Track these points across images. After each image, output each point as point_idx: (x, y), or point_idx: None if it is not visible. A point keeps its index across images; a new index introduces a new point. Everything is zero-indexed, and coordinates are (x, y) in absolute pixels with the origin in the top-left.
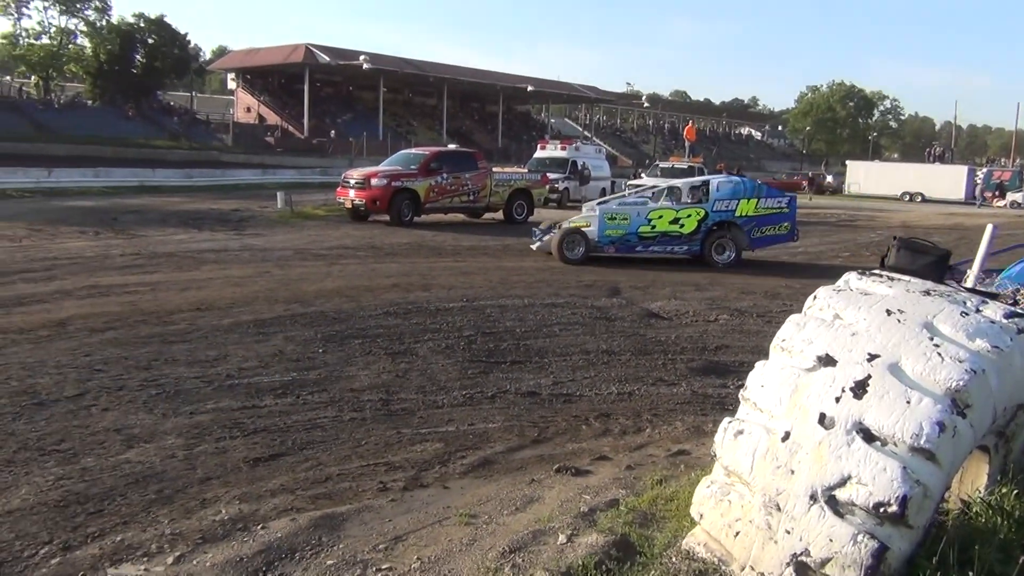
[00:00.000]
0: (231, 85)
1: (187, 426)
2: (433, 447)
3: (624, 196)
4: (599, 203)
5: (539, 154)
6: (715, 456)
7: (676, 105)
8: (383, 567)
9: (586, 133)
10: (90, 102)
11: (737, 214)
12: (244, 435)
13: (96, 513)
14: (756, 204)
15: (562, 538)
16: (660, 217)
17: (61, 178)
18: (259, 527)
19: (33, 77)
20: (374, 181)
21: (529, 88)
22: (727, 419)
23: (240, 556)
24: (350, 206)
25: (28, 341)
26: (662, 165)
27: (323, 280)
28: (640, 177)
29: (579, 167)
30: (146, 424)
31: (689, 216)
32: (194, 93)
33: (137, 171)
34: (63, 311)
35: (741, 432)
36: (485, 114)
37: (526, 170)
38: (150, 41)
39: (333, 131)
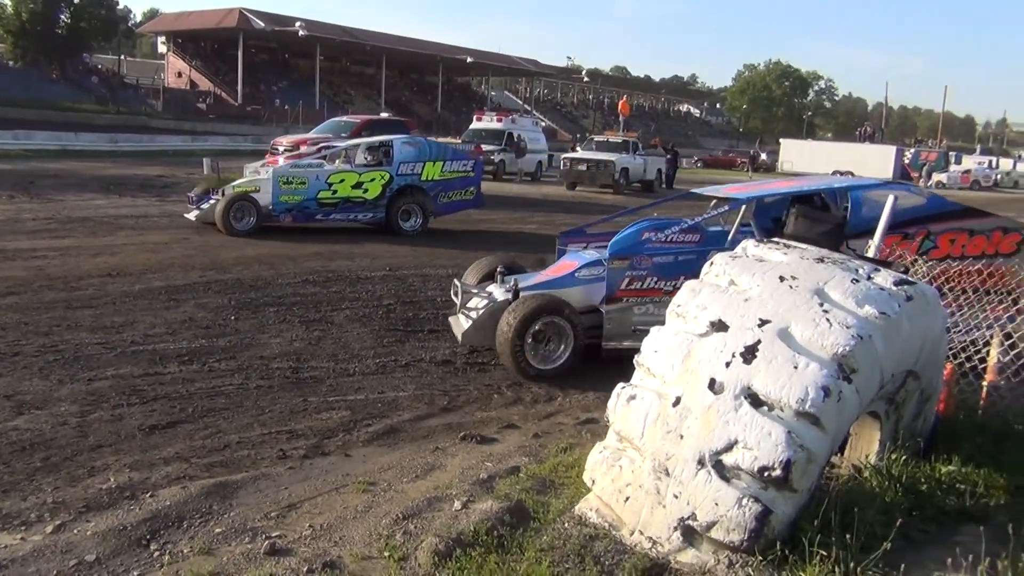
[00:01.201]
0: (162, 49)
1: (83, 393)
2: (339, 415)
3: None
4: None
5: (475, 125)
6: (608, 421)
7: (616, 81)
8: (273, 534)
9: (526, 107)
10: (11, 63)
11: (423, 178)
12: (143, 402)
13: None
14: (442, 167)
15: (457, 504)
16: (342, 181)
17: None
18: (148, 495)
19: None
20: (304, 148)
21: (469, 59)
22: (621, 384)
23: (124, 525)
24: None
25: None
26: (597, 139)
27: (243, 247)
28: (576, 151)
29: (515, 139)
30: (39, 390)
31: (373, 180)
32: (123, 57)
33: (59, 135)
34: None
35: (634, 397)
36: (425, 85)
37: (460, 141)
38: (75, 1)
39: (279, 101)
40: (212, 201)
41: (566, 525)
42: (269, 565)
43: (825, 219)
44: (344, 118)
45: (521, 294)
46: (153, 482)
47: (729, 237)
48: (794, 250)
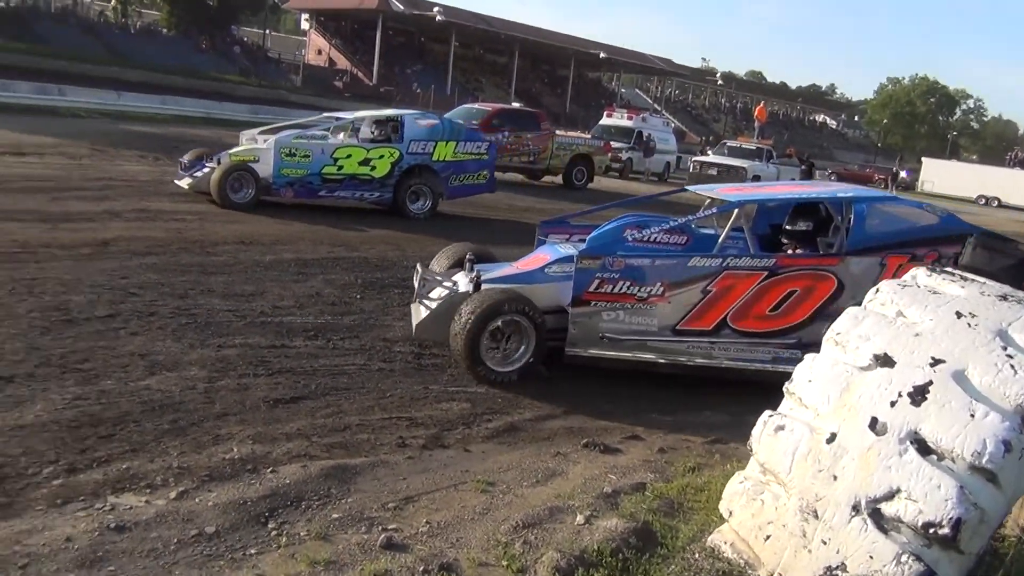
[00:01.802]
0: (305, 26)
1: (213, 359)
2: (459, 407)
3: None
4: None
5: (605, 121)
6: (751, 451)
7: (750, 86)
8: (390, 527)
9: (656, 106)
10: (165, 30)
11: (434, 158)
12: (268, 374)
13: (107, 437)
14: (455, 148)
15: (580, 519)
16: (348, 157)
17: (130, 103)
18: (269, 471)
19: (112, 1)
20: None
21: (601, 55)
22: (767, 412)
23: (244, 499)
24: None
25: (69, 258)
26: (729, 144)
27: (370, 227)
28: (707, 154)
29: (644, 138)
30: (172, 352)
31: (382, 157)
32: (268, 31)
33: (205, 103)
34: (108, 231)
35: (782, 428)
36: (555, 77)
37: (589, 136)
38: None
39: (413, 84)
40: (206, 169)
41: (696, 556)
42: (385, 560)
43: (1009, 251)
44: (476, 105)
45: (483, 287)
46: (274, 457)
47: (719, 242)
48: (972, 284)
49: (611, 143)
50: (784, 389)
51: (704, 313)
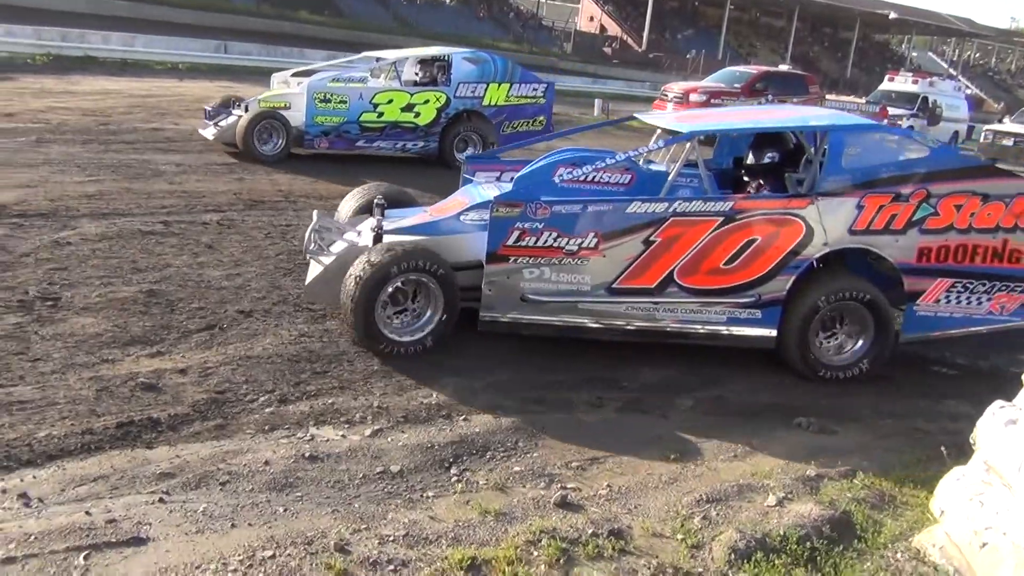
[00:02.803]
0: None
1: None
2: (664, 372)
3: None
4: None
5: (885, 86)
6: (973, 445)
7: None
8: (569, 486)
9: (951, 71)
10: (448, 1)
11: (485, 102)
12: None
13: (320, 373)
14: (508, 91)
15: (771, 499)
16: (389, 102)
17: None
18: (462, 418)
19: None
20: (693, 96)
21: (891, 15)
22: (998, 403)
23: (433, 443)
24: None
25: (325, 207)
26: None
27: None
28: (1003, 123)
29: (930, 104)
30: None
31: (427, 102)
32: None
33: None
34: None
35: (1014, 422)
36: (836, 41)
37: (863, 101)
38: None
39: (683, 49)
40: (232, 117)
41: (898, 556)
42: (556, 518)
43: None
44: (739, 68)
45: (384, 239)
46: (469, 406)
47: (668, 181)
48: None
49: (888, 109)
50: (1023, 377)
51: (646, 268)
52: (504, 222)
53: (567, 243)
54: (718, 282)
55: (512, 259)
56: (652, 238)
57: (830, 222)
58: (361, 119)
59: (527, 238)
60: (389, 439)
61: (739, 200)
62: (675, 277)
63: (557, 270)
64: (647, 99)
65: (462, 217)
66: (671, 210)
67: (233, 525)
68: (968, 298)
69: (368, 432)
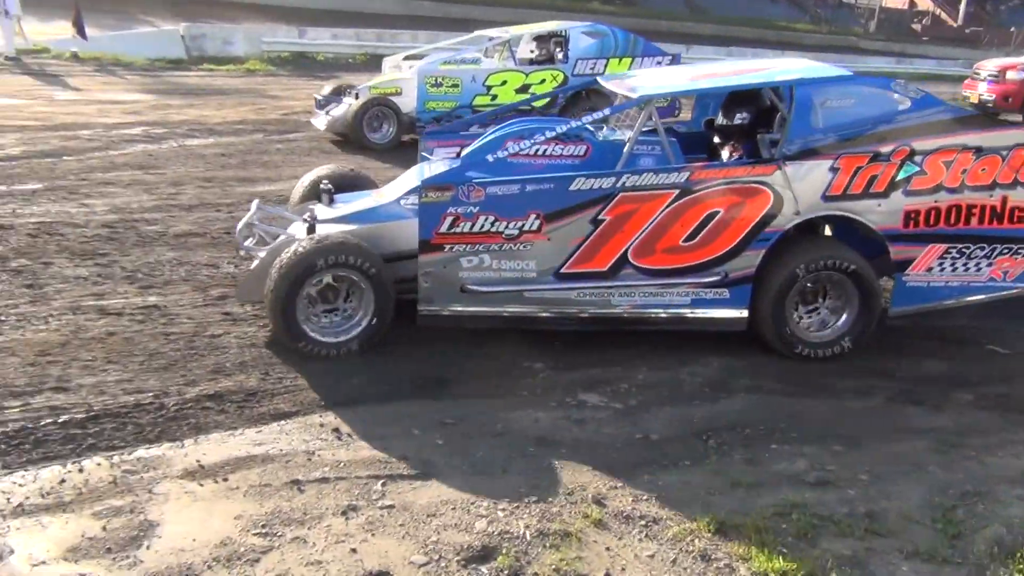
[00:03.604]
0: None
1: None
2: (942, 366)
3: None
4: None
5: None
6: None
7: None
8: (828, 468)
9: None
10: None
11: None
12: None
13: (586, 349)
14: (629, 66)
15: None
16: (503, 84)
17: (697, 55)
18: (725, 396)
19: None
20: (1011, 74)
21: None
22: None
23: (692, 416)
24: (976, 101)
25: None
26: None
27: None
28: None
29: None
30: None
31: (543, 82)
32: None
33: (765, 52)
34: None
35: None
36: None
37: None
38: None
39: (1007, 23)
40: (344, 107)
41: None
42: (808, 495)
43: None
44: None
45: (322, 228)
46: (732, 384)
47: (624, 153)
48: None
49: None
50: None
51: (596, 250)
52: (435, 207)
53: (506, 227)
54: (678, 261)
55: (447, 247)
56: (600, 217)
57: (801, 188)
58: (474, 103)
59: (461, 223)
60: (650, 411)
61: (696, 170)
62: (630, 258)
63: (498, 257)
64: (959, 78)
65: (402, 202)
66: (619, 185)
67: (504, 471)
68: (966, 264)
69: (633, 403)
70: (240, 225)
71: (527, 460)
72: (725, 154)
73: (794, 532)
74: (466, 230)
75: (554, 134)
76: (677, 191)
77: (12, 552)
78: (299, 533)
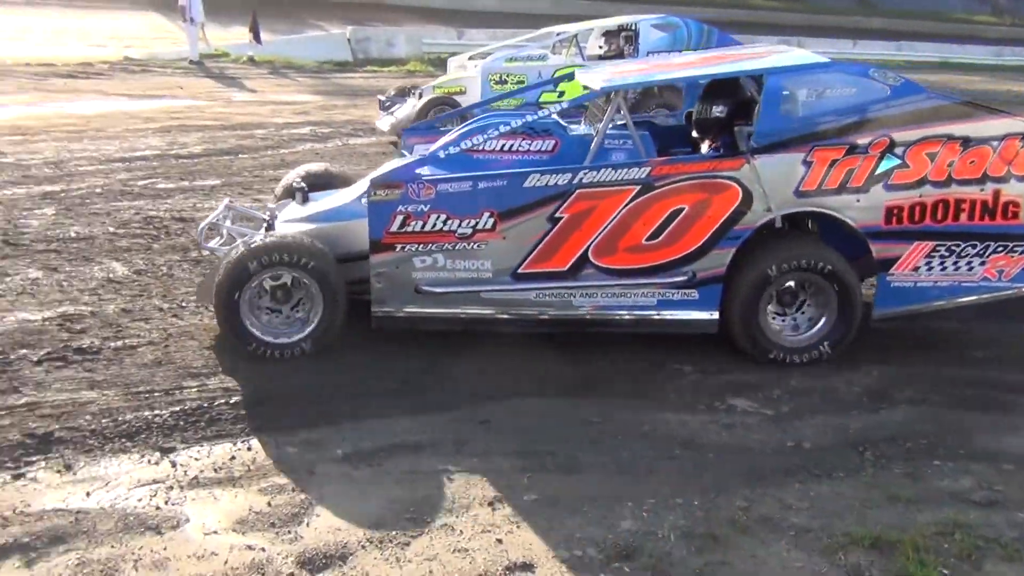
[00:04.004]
0: None
1: None
2: None
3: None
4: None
5: None
6: None
7: None
8: (996, 487)
9: None
10: None
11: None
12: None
13: (737, 354)
14: None
15: None
16: (571, 79)
17: (864, 50)
18: (883, 407)
19: None
20: None
21: None
22: None
23: (847, 425)
24: None
25: None
26: None
27: None
28: None
29: None
30: None
31: None
32: None
33: (945, 46)
34: None
35: None
36: None
37: None
38: None
39: None
40: (408, 107)
41: None
42: (973, 513)
43: None
44: None
45: (280, 229)
46: (892, 394)
47: (592, 148)
48: None
49: None
50: None
51: (555, 249)
52: (385, 206)
53: (459, 226)
54: (641, 261)
55: (399, 247)
56: (558, 215)
57: (771, 184)
58: (541, 100)
59: (412, 222)
60: (803, 418)
61: (658, 165)
62: (590, 258)
63: (452, 257)
64: None
65: (362, 200)
66: (576, 181)
67: (650, 472)
68: (956, 263)
69: (785, 409)
70: (203, 225)
71: (673, 462)
72: (704, 148)
73: (956, 553)
74: (418, 229)
75: (509, 128)
76: (638, 187)
77: (188, 521)
78: (447, 520)
